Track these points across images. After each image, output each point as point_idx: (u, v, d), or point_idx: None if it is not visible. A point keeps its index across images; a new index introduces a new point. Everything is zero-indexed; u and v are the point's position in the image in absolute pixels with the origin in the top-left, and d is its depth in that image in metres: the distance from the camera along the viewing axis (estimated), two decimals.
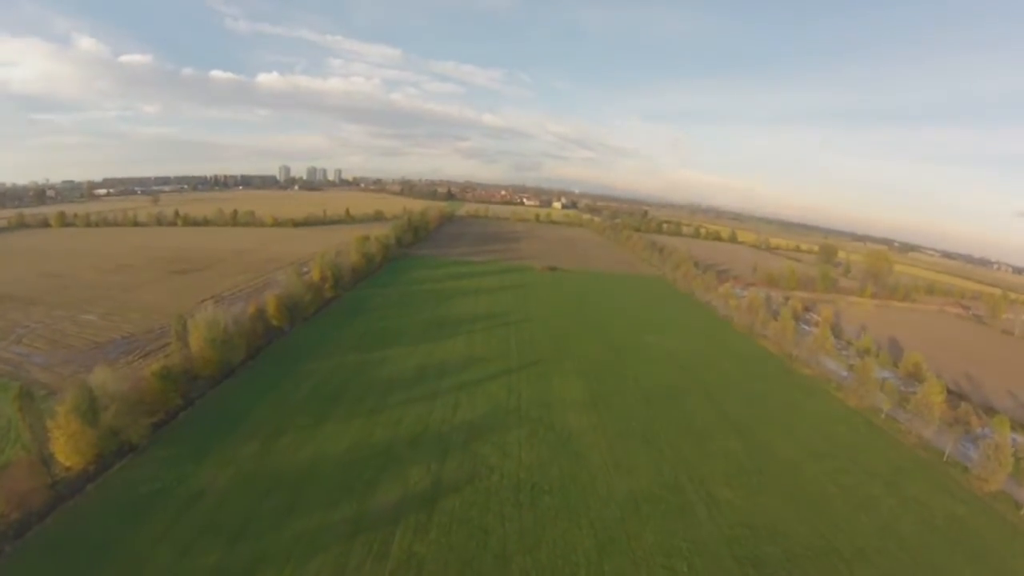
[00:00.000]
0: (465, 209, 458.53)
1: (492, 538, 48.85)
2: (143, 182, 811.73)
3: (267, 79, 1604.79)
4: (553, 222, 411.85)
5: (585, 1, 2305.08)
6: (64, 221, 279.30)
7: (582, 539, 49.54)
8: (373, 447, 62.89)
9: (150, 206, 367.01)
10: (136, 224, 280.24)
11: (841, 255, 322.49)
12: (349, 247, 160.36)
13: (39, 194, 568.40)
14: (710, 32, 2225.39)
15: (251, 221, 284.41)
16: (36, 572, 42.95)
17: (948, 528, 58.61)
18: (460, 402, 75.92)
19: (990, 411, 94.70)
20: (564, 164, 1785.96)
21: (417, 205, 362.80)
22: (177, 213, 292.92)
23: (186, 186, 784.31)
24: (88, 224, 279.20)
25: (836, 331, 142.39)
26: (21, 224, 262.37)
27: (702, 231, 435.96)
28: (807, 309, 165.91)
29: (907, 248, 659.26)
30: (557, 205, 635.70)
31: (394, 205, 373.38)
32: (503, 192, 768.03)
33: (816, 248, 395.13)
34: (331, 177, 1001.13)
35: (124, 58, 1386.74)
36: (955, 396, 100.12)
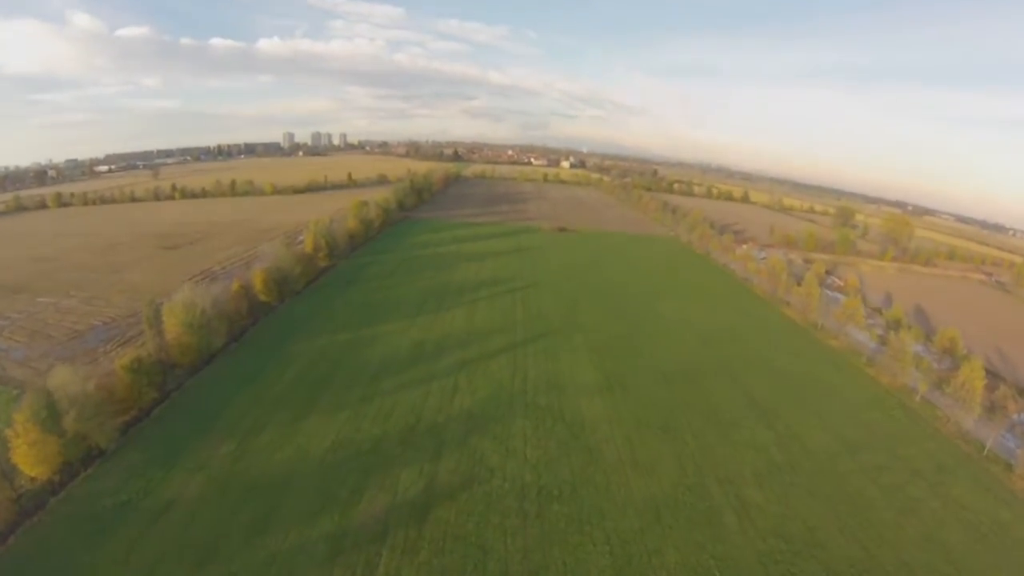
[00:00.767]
0: (471, 170, 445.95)
1: (491, 559, 41.78)
2: (146, 156, 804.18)
3: (268, 45, 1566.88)
4: (562, 182, 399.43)
5: None
6: (61, 201, 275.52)
7: (597, 558, 42.36)
8: (360, 445, 55.72)
9: (150, 180, 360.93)
10: (133, 200, 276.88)
11: (859, 217, 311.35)
12: (346, 213, 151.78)
13: (40, 175, 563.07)
14: None
15: (250, 190, 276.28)
16: None
17: (995, 537, 50.61)
18: (459, 386, 68.40)
19: None
20: (572, 123, 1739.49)
21: (422, 167, 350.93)
22: (174, 186, 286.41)
23: (189, 158, 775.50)
24: (85, 203, 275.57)
25: (857, 293, 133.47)
26: (19, 207, 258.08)
27: (714, 191, 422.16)
28: (828, 273, 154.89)
29: (920, 211, 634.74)
30: (565, 164, 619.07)
31: (399, 168, 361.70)
32: (510, 152, 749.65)
33: (831, 210, 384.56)
34: (336, 142, 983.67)
35: (121, 32, 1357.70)
36: (990, 375, 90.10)
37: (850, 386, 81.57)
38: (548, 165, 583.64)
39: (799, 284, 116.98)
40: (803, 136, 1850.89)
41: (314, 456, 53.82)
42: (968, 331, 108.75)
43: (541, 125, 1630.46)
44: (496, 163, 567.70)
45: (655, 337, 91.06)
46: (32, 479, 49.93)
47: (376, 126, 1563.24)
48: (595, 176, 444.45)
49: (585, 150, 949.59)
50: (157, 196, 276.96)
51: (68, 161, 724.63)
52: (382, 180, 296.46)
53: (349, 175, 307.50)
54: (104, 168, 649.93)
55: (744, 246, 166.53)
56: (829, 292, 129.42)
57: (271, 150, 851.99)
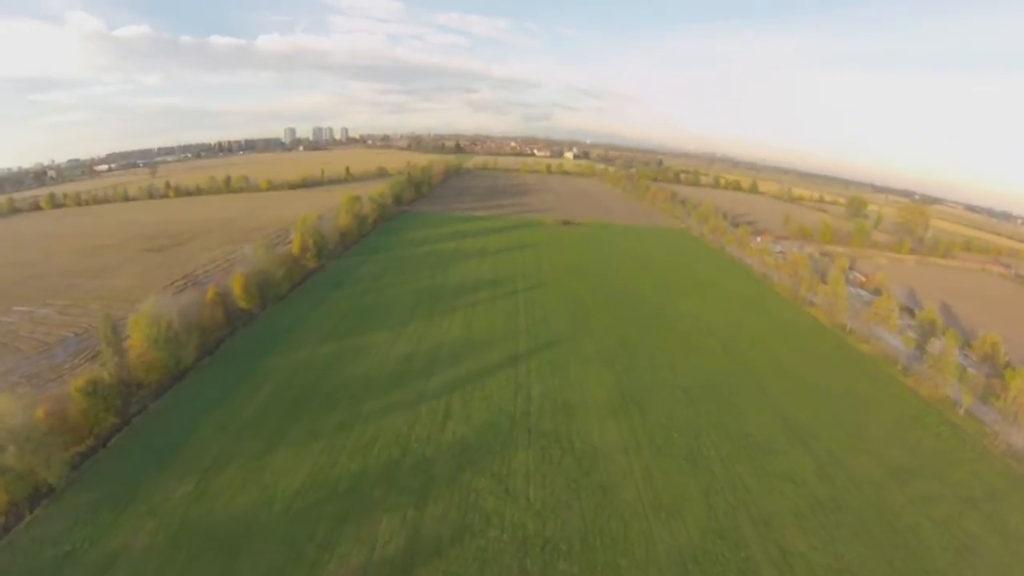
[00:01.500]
0: (473, 162, 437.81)
1: None
2: (146, 154, 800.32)
3: (268, 41, 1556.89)
4: (565, 173, 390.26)
5: None
6: (54, 203, 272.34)
7: None
8: (334, 485, 47.85)
9: (148, 178, 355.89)
10: (127, 199, 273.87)
11: (872, 207, 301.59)
12: (338, 209, 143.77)
13: (39, 176, 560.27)
14: None
15: (245, 187, 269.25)
16: None
17: None
18: (452, 409, 60.25)
19: None
20: (575, 114, 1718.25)
21: (423, 160, 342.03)
22: (168, 184, 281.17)
23: (189, 155, 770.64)
24: (79, 203, 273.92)
25: (883, 290, 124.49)
26: (12, 209, 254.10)
27: (721, 181, 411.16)
28: (848, 267, 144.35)
29: (928, 200, 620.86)
30: (569, 155, 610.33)
31: (399, 161, 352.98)
32: (513, 144, 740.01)
33: (841, 200, 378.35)
34: (338, 136, 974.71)
35: (120, 31, 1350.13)
36: None
37: (888, 399, 73.18)
38: (551, 156, 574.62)
39: (822, 281, 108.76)
40: (807, 125, 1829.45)
41: (281, 499, 46.08)
42: (1003, 333, 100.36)
43: (544, 117, 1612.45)
44: (499, 155, 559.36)
45: (673, 344, 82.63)
46: None
47: (378, 120, 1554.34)
48: (599, 167, 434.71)
49: (588, 141, 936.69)
50: (151, 194, 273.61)
51: (70, 161, 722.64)
52: (381, 174, 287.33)
53: (347, 169, 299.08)
54: (104, 167, 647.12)
55: (759, 239, 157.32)
56: (852, 289, 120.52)
57: (272, 146, 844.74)
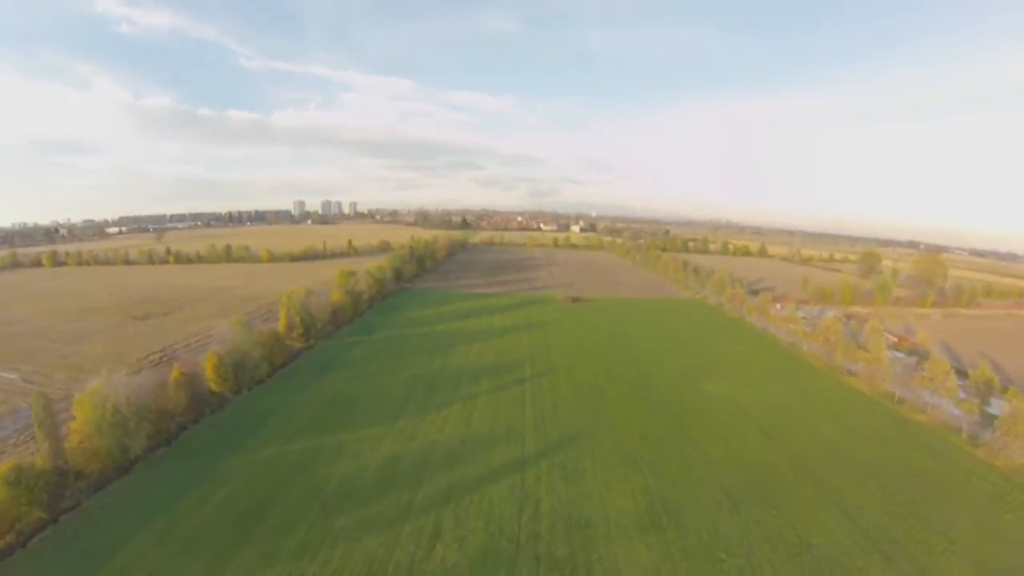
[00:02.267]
0: (479, 237, 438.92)
1: None
2: (158, 220, 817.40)
3: (283, 116, 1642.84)
4: (573, 246, 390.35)
5: (593, 23, 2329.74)
6: (55, 260, 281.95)
7: None
8: None
9: (152, 243, 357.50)
10: (127, 262, 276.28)
11: (886, 262, 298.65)
12: (331, 284, 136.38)
13: (49, 233, 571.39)
14: (717, 46, 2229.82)
15: (245, 256, 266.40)
16: None
17: None
18: (442, 527, 48.60)
19: None
20: (580, 188, 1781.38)
21: (428, 235, 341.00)
22: (168, 250, 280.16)
23: (200, 223, 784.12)
24: (79, 263, 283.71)
25: (919, 351, 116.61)
26: (15, 263, 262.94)
27: (730, 247, 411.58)
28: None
29: (934, 249, 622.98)
30: (575, 228, 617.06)
31: (403, 236, 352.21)
32: (520, 219, 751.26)
33: (851, 257, 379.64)
34: (346, 210, 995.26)
35: (144, 101, 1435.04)
36: None
37: (963, 477, 62.74)
38: (558, 230, 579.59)
39: (863, 347, 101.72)
40: (809, 186, 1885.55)
41: None
42: None
43: (550, 192, 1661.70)
44: (505, 230, 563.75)
45: (705, 434, 71.04)
46: None
47: (387, 195, 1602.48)
48: (607, 239, 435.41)
49: (594, 214, 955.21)
50: (152, 259, 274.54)
51: (85, 221, 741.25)
52: (384, 248, 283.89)
53: (349, 242, 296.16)
54: (114, 230, 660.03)
55: (778, 306, 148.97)
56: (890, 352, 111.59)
57: (281, 217, 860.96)
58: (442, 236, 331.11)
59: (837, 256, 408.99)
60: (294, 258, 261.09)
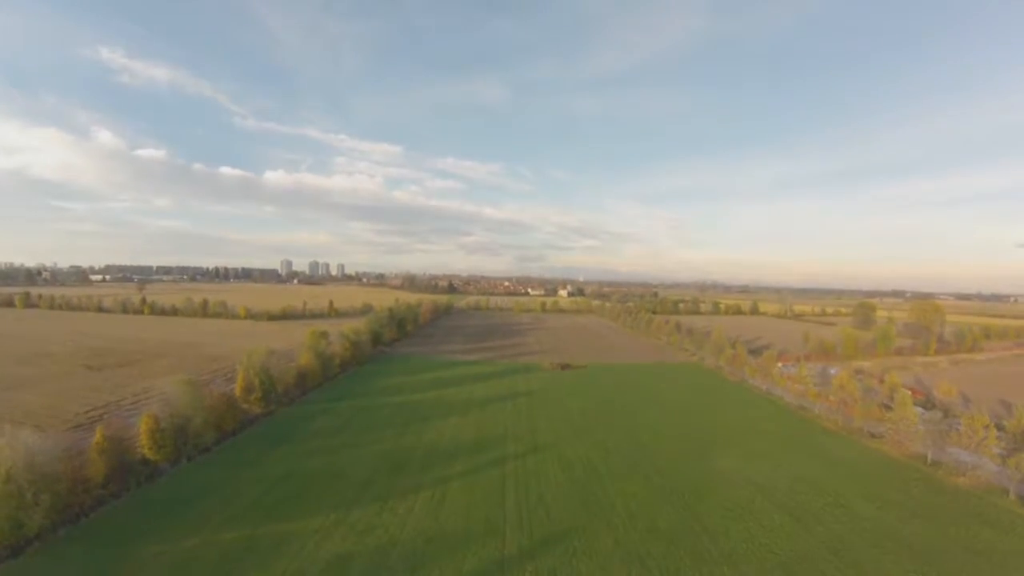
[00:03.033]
0: (465, 301, 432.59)
1: None
2: (144, 271, 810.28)
3: (274, 176, 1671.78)
4: (561, 310, 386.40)
5: (577, 91, 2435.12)
6: (27, 302, 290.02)
7: None
8: None
9: (133, 293, 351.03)
10: (101, 310, 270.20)
11: (880, 312, 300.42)
12: (301, 346, 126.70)
13: (30, 275, 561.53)
14: (698, 110, 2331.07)
15: (222, 312, 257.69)
16: None
17: None
18: None
19: None
20: (567, 253, 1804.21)
21: (413, 299, 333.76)
22: (143, 300, 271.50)
23: (185, 276, 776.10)
24: (51, 307, 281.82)
25: (939, 403, 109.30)
26: None
27: (722, 306, 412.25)
28: (881, 380, 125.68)
29: (920, 296, 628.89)
30: (563, 293, 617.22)
31: (388, 299, 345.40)
32: (507, 283, 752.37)
33: (843, 310, 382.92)
34: (334, 272, 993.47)
35: (139, 152, 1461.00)
36: None
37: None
38: (545, 295, 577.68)
39: (883, 407, 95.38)
40: (793, 243, 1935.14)
41: None
42: None
43: (537, 257, 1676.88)
44: (492, 294, 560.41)
45: (724, 521, 59.89)
46: None
47: (375, 259, 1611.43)
48: (595, 303, 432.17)
49: (582, 279, 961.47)
50: (125, 309, 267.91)
51: (72, 267, 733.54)
52: (367, 310, 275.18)
53: (331, 303, 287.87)
54: (98, 277, 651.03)
55: (779, 364, 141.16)
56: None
57: (268, 276, 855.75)
58: (426, 299, 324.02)
59: (829, 310, 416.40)
60: (272, 316, 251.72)
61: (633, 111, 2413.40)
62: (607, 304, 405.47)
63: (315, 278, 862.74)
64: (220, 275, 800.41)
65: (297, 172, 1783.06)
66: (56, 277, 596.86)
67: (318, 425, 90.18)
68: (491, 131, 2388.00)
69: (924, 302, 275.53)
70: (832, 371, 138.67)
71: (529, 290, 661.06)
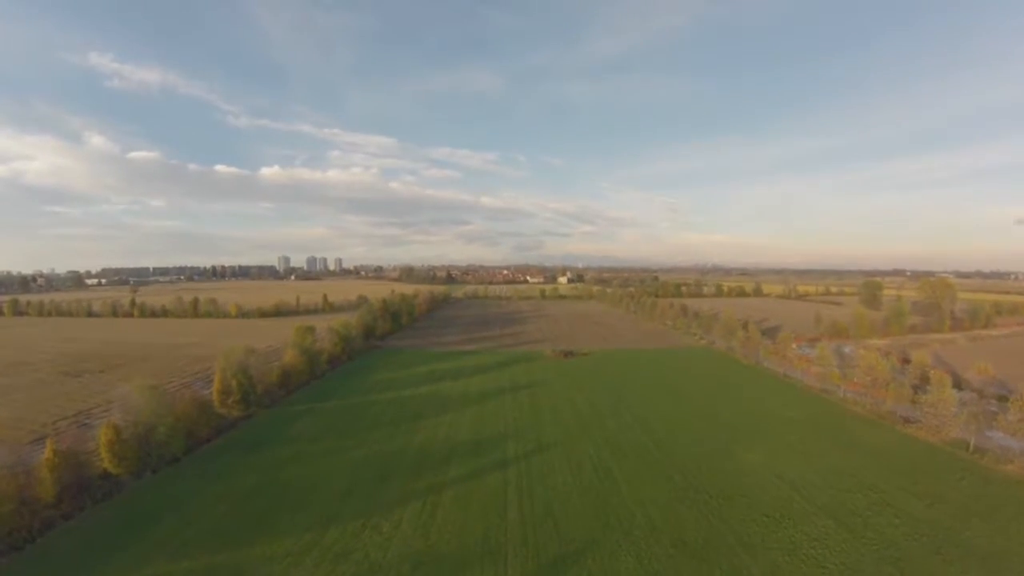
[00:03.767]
0: (463, 291, 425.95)
1: None
2: (141, 272, 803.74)
3: (269, 172, 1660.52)
4: (561, 297, 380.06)
5: (571, 77, 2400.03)
6: (16, 309, 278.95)
7: None
8: None
9: (126, 295, 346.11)
10: (90, 314, 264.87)
11: (887, 291, 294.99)
12: (285, 343, 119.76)
13: (24, 282, 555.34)
14: (693, 95, 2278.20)
15: (213, 311, 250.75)
16: None
17: None
18: None
19: None
20: (566, 240, 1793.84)
21: (410, 290, 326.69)
22: (133, 302, 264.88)
23: (182, 276, 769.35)
24: (40, 313, 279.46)
25: (959, 382, 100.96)
26: None
27: (725, 288, 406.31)
28: (907, 361, 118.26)
29: (920, 275, 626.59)
30: (563, 280, 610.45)
31: (384, 291, 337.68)
32: (505, 272, 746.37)
33: (847, 289, 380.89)
34: (331, 266, 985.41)
35: (132, 154, 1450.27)
36: None
37: None
38: (544, 282, 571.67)
39: (903, 387, 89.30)
40: (792, 225, 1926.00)
41: None
42: None
43: (535, 245, 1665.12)
44: (491, 283, 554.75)
45: (759, 528, 52.04)
46: None
47: (373, 252, 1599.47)
48: (596, 288, 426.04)
49: (581, 265, 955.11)
50: (115, 312, 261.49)
51: (69, 272, 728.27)
52: (362, 304, 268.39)
53: (325, 297, 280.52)
54: (94, 281, 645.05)
55: (794, 346, 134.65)
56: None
57: (265, 273, 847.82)
58: (423, 290, 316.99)
59: (833, 289, 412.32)
60: (264, 313, 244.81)
61: (628, 96, 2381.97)
62: (608, 290, 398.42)
63: (313, 273, 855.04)
64: (217, 274, 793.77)
65: (292, 167, 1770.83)
66: (52, 283, 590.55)
67: (298, 429, 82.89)
68: (486, 119, 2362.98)
69: (935, 280, 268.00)
70: (846, 349, 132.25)
71: (528, 278, 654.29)
